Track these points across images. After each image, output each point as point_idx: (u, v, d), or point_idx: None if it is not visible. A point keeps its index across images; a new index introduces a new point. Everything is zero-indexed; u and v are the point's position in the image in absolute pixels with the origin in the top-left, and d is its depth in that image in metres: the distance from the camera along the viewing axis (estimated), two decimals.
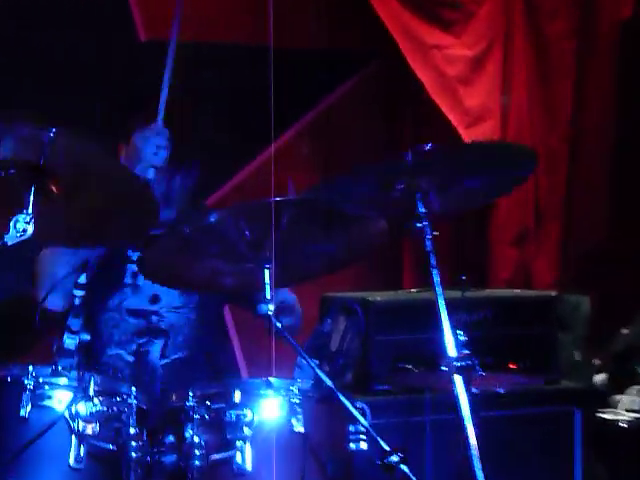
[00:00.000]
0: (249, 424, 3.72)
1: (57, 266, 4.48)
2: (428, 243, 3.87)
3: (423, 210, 3.89)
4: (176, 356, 4.82)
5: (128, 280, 4.78)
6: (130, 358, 4.71)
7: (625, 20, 6.71)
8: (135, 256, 4.77)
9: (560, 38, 6.65)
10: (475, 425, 3.69)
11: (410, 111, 6.65)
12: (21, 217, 3.69)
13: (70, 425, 3.65)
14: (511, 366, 5.16)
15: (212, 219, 3.82)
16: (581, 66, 6.70)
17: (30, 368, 3.69)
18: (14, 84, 5.94)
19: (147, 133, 4.78)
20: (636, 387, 6.03)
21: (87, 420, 3.66)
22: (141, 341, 4.78)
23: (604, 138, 6.82)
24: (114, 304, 4.75)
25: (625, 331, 6.37)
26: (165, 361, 4.77)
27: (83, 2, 6.07)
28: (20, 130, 3.56)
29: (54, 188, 3.77)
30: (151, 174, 4.71)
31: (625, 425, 5.85)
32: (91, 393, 3.69)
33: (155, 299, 4.81)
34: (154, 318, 4.79)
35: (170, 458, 3.83)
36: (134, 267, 4.77)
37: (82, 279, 3.87)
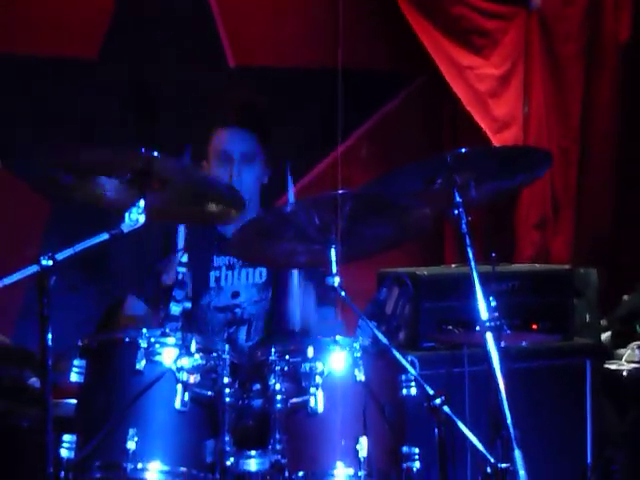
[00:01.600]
0: (320, 374, 3.73)
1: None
2: (463, 226, 3.87)
3: (459, 200, 3.89)
4: (258, 337, 4.84)
5: (212, 284, 4.79)
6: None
7: (624, 41, 6.66)
8: (218, 262, 4.81)
9: (571, 57, 6.61)
10: (504, 374, 3.69)
11: (449, 120, 6.63)
12: (134, 209, 3.73)
13: (176, 376, 3.68)
14: (534, 327, 5.15)
15: (288, 209, 3.84)
16: (589, 80, 6.65)
17: (144, 330, 3.73)
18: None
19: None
20: (636, 343, 6.00)
21: (190, 372, 3.68)
22: (230, 330, 4.81)
23: (609, 140, 6.78)
24: (204, 303, 4.77)
25: (627, 297, 6.34)
26: (249, 343, 4.80)
27: (179, 36, 6.07)
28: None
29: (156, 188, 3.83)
30: None
31: (626, 374, 5.84)
32: (193, 350, 3.72)
33: (236, 295, 4.82)
34: (238, 310, 4.80)
35: (257, 402, 3.85)
36: (217, 273, 4.80)
37: (184, 258, 3.88)
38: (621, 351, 6.00)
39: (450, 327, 4.92)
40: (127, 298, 4.76)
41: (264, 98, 4.98)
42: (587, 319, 5.59)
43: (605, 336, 6.01)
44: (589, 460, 5.20)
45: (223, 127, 4.83)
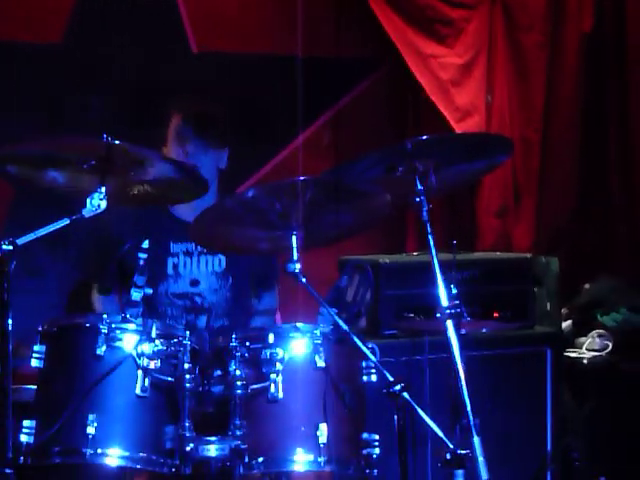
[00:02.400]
0: (281, 360, 3.76)
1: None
2: (424, 214, 3.89)
3: (420, 188, 3.90)
4: (218, 324, 4.84)
5: (170, 271, 4.79)
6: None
7: (587, 31, 6.68)
8: (176, 249, 4.81)
9: (534, 47, 6.61)
10: (464, 362, 3.70)
11: (412, 108, 6.62)
12: (96, 195, 3.73)
13: (136, 362, 3.70)
14: (495, 315, 5.17)
15: (249, 194, 3.84)
16: (551, 70, 6.65)
17: (104, 316, 3.75)
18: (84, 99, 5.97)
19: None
20: (596, 331, 6.04)
21: (150, 357, 3.70)
22: (189, 317, 4.80)
23: (571, 130, 6.79)
24: (162, 290, 4.75)
25: (587, 286, 6.38)
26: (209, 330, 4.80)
27: (140, 18, 6.05)
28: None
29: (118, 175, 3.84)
30: None
31: (586, 362, 5.88)
32: (153, 335, 3.73)
33: (195, 283, 4.82)
34: (198, 299, 4.80)
35: (217, 388, 3.86)
36: (175, 259, 4.79)
37: (145, 244, 3.87)
38: (581, 339, 6.05)
39: (411, 315, 4.95)
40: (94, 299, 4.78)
41: (221, 109, 4.95)
42: (548, 307, 5.61)
43: (565, 324, 6.05)
44: (549, 446, 5.24)
45: (177, 110, 4.84)
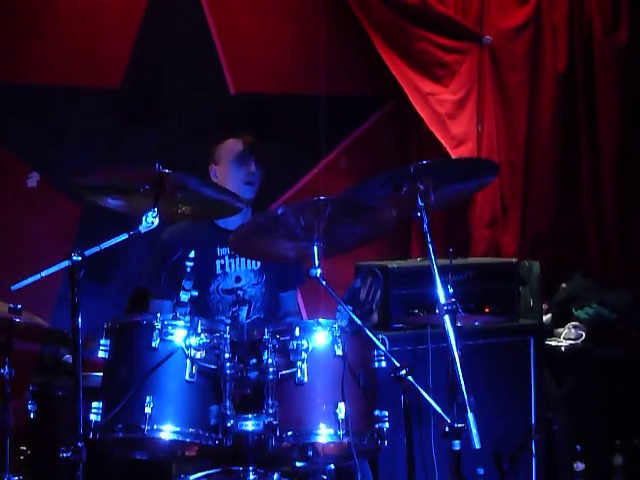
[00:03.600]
0: (305, 350, 3.77)
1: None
2: (425, 227, 3.88)
3: (421, 204, 3.90)
4: (256, 316, 4.85)
5: (218, 271, 4.80)
6: (228, 321, 4.74)
7: (561, 70, 6.69)
8: (222, 252, 4.82)
9: (517, 84, 6.61)
10: (460, 350, 3.70)
11: (415, 137, 6.61)
12: (150, 213, 3.75)
13: (185, 352, 3.71)
14: (486, 310, 5.16)
15: (279, 212, 3.85)
16: (532, 103, 6.64)
17: (158, 315, 3.77)
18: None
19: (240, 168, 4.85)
20: (572, 323, 6.03)
21: (197, 349, 3.72)
22: (234, 309, 4.81)
23: (549, 153, 6.76)
24: (213, 288, 4.77)
25: (564, 285, 6.36)
26: (249, 320, 4.81)
27: (186, 65, 6.09)
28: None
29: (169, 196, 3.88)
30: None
31: (563, 349, 5.86)
32: (199, 330, 3.75)
33: (238, 279, 4.83)
34: (240, 292, 4.81)
35: (253, 374, 3.85)
36: (221, 261, 4.80)
37: (192, 254, 3.88)
38: (559, 330, 6.04)
39: (416, 311, 4.94)
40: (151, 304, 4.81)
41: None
42: (531, 303, 5.61)
43: (546, 318, 6.03)
44: (533, 421, 5.22)
45: (234, 137, 4.90)
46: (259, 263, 4.85)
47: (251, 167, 4.83)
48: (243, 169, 4.84)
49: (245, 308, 4.78)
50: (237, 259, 4.81)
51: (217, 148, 4.92)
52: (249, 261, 4.83)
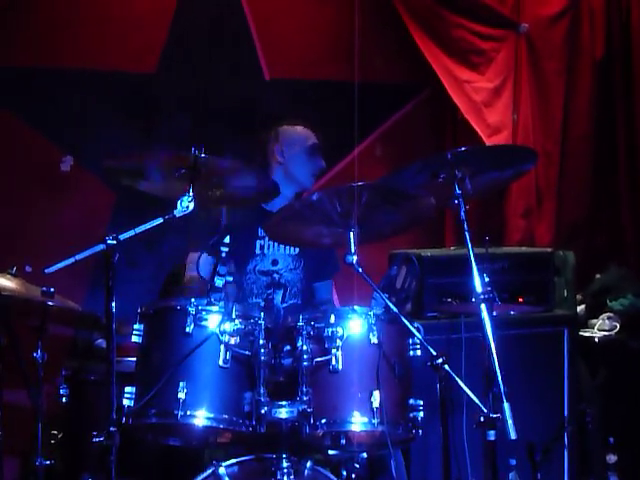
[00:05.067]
0: (340, 337, 3.73)
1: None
2: (462, 214, 3.85)
3: (458, 192, 3.87)
4: (292, 302, 4.83)
5: (257, 251, 4.80)
6: (262, 303, 4.72)
7: (599, 58, 6.63)
8: (262, 233, 4.81)
9: (554, 73, 6.56)
10: (495, 339, 3.67)
11: (450, 125, 6.59)
12: (185, 198, 3.74)
13: (219, 338, 3.69)
14: (520, 299, 5.12)
15: (314, 198, 3.83)
16: (569, 92, 6.59)
17: (192, 300, 3.73)
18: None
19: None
20: (606, 314, 5.98)
21: (231, 334, 3.69)
22: (269, 291, 4.79)
23: (585, 143, 6.72)
24: (250, 268, 4.77)
25: (599, 276, 6.32)
26: (284, 305, 4.78)
27: (221, 51, 6.07)
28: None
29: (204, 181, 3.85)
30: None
31: (597, 340, 5.82)
32: (233, 316, 3.71)
33: (275, 262, 4.82)
34: (276, 276, 4.77)
35: (287, 361, 3.83)
36: (261, 241, 4.80)
37: (227, 239, 3.86)
38: (593, 321, 5.99)
39: (449, 300, 4.90)
40: (188, 257, 4.78)
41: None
42: (565, 294, 5.54)
43: (580, 308, 5.98)
44: (566, 412, 5.19)
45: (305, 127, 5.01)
46: (297, 249, 4.84)
47: (322, 162, 4.97)
48: (316, 162, 4.96)
49: (280, 292, 4.73)
50: (276, 242, 4.80)
51: (284, 130, 4.98)
52: (288, 246, 4.82)
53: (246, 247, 4.73)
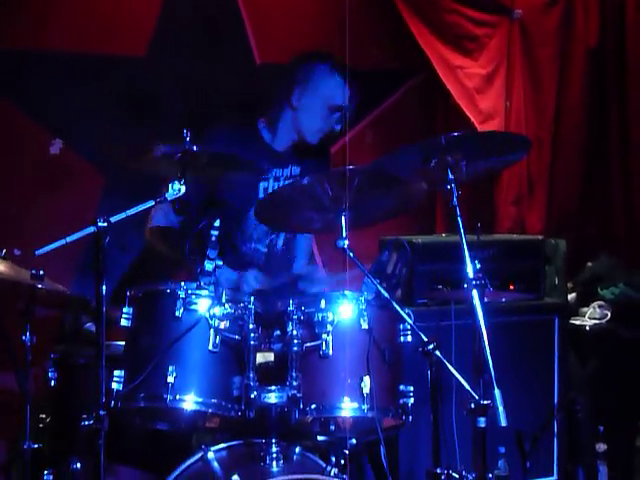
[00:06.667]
0: (331, 322, 3.74)
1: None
2: (455, 200, 3.85)
3: (451, 177, 3.87)
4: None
5: (261, 194, 4.75)
6: (264, 249, 4.71)
7: (593, 46, 6.64)
8: (268, 174, 4.77)
9: (547, 60, 6.56)
10: (486, 326, 3.67)
11: (442, 111, 6.59)
12: (176, 182, 3.74)
13: (209, 322, 3.69)
14: (511, 287, 5.13)
15: (305, 181, 3.83)
16: (562, 79, 6.60)
17: (182, 283, 3.74)
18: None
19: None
20: (597, 302, 5.99)
21: (221, 319, 3.69)
22: (271, 237, 4.78)
23: (578, 131, 6.72)
24: (251, 214, 4.64)
25: (589, 264, 6.33)
26: (280, 248, 4.83)
27: (211, 34, 6.05)
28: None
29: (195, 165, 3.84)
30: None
31: (588, 329, 5.83)
32: (223, 300, 3.72)
33: None
34: None
35: (277, 346, 3.86)
36: (265, 184, 4.76)
37: (217, 223, 3.86)
38: (584, 309, 6.00)
39: (440, 286, 4.91)
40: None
41: None
42: (556, 282, 5.56)
43: (571, 297, 5.99)
44: (556, 400, 5.20)
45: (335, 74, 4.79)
46: None
47: (338, 126, 4.80)
48: (331, 122, 4.80)
49: (282, 236, 4.74)
50: (281, 184, 4.77)
51: (316, 76, 4.80)
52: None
53: (249, 189, 4.65)
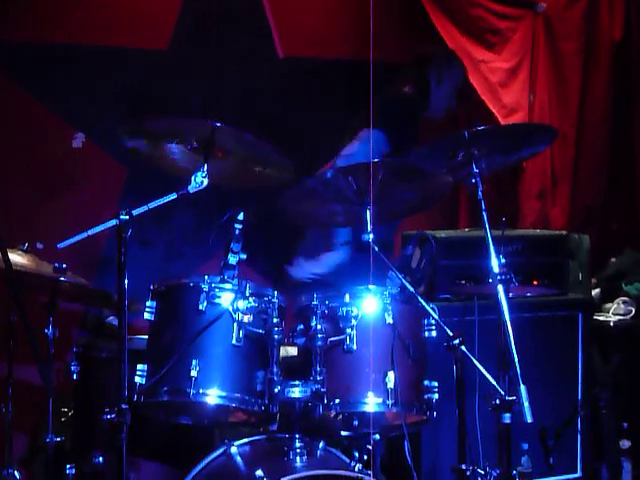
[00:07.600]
0: (355, 317, 3.72)
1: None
2: (480, 193, 3.83)
3: (476, 170, 3.84)
4: None
5: None
6: None
7: (617, 40, 6.59)
8: None
9: (571, 54, 6.52)
10: (511, 321, 3.65)
11: (466, 105, 6.55)
12: (199, 173, 3.72)
13: (232, 316, 3.66)
14: (534, 282, 5.11)
15: (329, 175, 3.80)
16: (586, 74, 6.55)
17: (206, 277, 3.71)
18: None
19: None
20: (621, 298, 5.95)
21: (244, 312, 3.67)
22: None
23: (602, 125, 6.67)
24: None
25: (614, 260, 6.29)
26: None
27: (234, 28, 6.04)
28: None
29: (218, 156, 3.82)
30: None
31: (612, 324, 5.79)
32: (247, 294, 3.69)
33: None
34: None
35: (301, 340, 3.83)
36: None
37: (241, 216, 3.84)
38: (608, 305, 5.96)
39: (463, 282, 4.89)
40: None
41: None
42: (579, 277, 5.52)
43: (595, 292, 5.95)
44: (579, 397, 5.17)
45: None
46: None
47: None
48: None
49: None
50: None
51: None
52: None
53: None
